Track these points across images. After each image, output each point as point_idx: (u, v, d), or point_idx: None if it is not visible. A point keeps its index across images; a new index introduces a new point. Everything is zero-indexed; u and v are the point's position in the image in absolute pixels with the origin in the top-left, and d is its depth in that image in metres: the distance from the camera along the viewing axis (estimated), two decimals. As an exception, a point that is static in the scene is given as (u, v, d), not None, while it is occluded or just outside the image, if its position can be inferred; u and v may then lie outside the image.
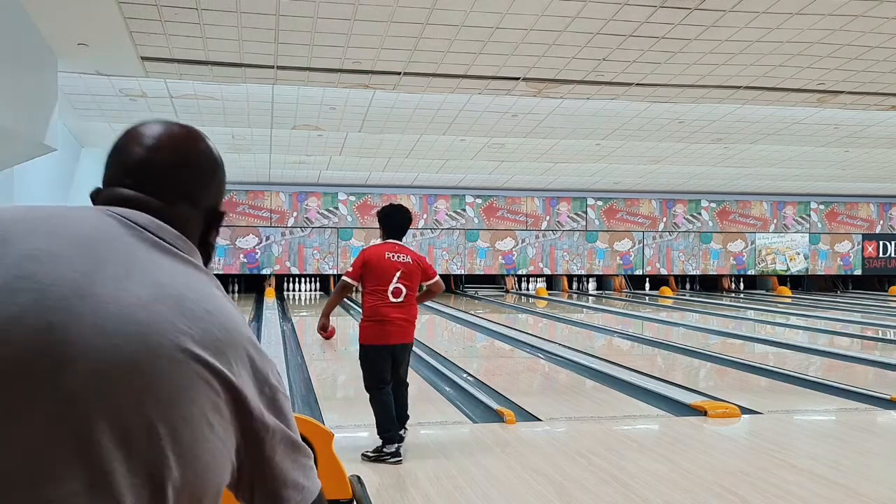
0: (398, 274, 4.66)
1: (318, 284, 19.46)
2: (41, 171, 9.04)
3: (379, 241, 4.91)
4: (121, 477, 0.81)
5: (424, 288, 4.92)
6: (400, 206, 4.94)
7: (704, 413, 5.74)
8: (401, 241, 4.84)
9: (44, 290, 0.85)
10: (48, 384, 0.81)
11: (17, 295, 0.84)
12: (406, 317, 4.71)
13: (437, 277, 4.93)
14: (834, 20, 6.18)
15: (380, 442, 4.60)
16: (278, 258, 18.53)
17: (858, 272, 21.54)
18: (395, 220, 4.87)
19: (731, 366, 8.31)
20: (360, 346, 4.78)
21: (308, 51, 6.79)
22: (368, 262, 4.72)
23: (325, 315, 4.90)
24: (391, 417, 4.62)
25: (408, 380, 4.96)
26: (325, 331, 4.91)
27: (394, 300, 4.64)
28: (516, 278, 20.24)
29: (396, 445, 4.55)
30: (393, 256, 4.71)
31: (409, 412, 4.90)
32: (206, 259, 1.07)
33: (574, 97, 8.73)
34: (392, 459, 4.49)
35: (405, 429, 4.80)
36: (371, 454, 4.54)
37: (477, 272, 19.60)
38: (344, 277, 4.87)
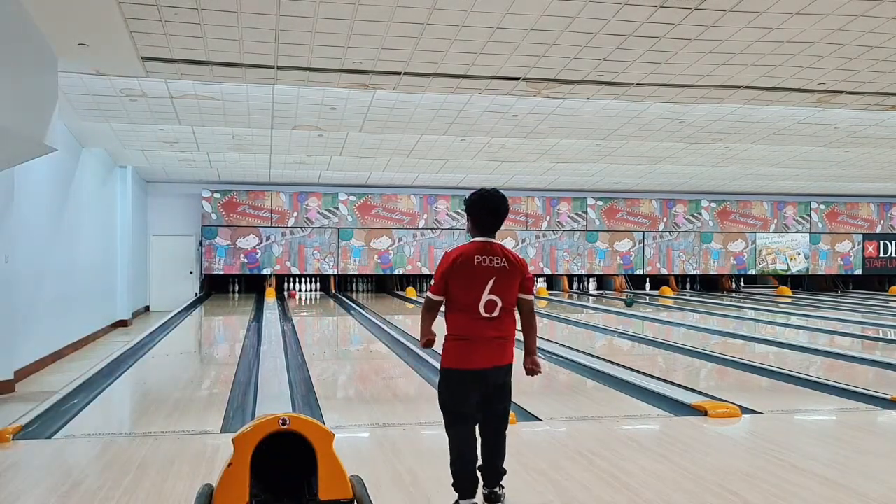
0: (491, 283, 3.58)
1: (318, 284, 19.48)
2: (41, 171, 9.05)
3: (468, 238, 3.77)
4: None
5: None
6: (494, 191, 3.74)
7: (705, 413, 5.73)
8: (494, 237, 3.73)
9: None
10: None
11: None
12: (502, 334, 3.65)
13: (532, 296, 3.80)
14: (834, 20, 6.17)
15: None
16: (279, 258, 18.53)
17: (859, 272, 21.54)
18: (488, 208, 3.70)
19: (731, 366, 8.30)
20: (441, 370, 3.73)
21: (308, 51, 6.79)
22: (453, 268, 3.61)
23: (425, 334, 3.73)
24: (466, 464, 3.58)
25: (505, 414, 3.82)
26: (432, 344, 3.74)
27: (485, 315, 3.59)
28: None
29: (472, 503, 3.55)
30: (484, 260, 3.60)
31: (503, 464, 3.75)
32: None
33: (574, 97, 8.73)
34: None
35: (500, 487, 3.71)
36: None
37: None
38: (428, 293, 3.74)
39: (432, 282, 3.72)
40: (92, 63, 7.20)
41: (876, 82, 8.00)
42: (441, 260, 3.71)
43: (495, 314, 3.59)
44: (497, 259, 3.61)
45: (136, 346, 9.73)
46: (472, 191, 3.79)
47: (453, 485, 3.58)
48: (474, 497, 3.56)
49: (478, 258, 3.59)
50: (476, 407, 3.63)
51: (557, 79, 7.80)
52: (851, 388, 6.78)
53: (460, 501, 3.55)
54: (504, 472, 3.73)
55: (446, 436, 3.64)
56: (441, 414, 3.70)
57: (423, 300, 3.75)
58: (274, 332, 10.77)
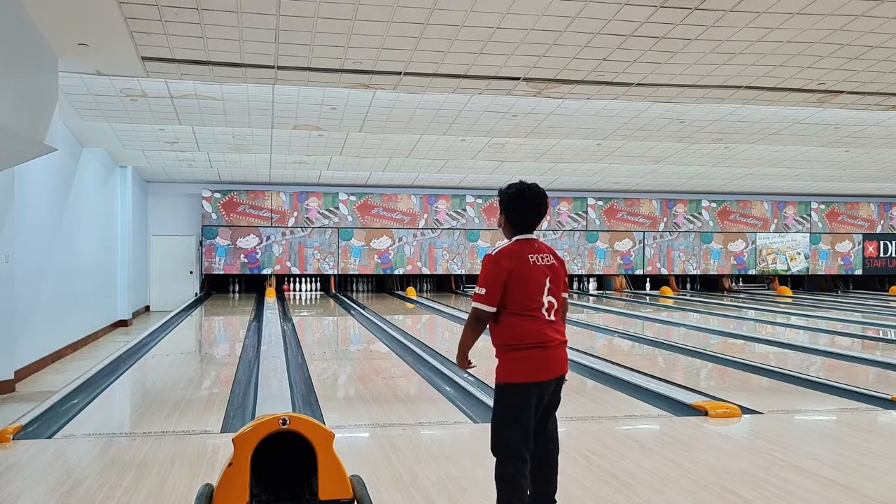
0: (547, 283, 3.26)
1: (318, 284, 19.49)
2: (41, 171, 9.05)
3: (504, 241, 3.39)
4: None
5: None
6: (534, 185, 3.38)
7: (705, 413, 5.73)
8: (532, 234, 3.39)
9: None
10: None
11: None
12: (565, 338, 3.33)
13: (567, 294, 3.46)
14: (834, 20, 6.17)
15: None
16: (279, 258, 18.53)
17: (859, 272, 21.54)
18: (526, 203, 3.35)
19: (731, 366, 8.30)
20: (500, 386, 3.24)
21: (308, 51, 6.79)
22: (513, 272, 3.20)
23: (465, 353, 3.34)
24: None
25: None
26: (469, 366, 3.37)
27: (549, 319, 3.24)
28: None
29: None
30: (538, 259, 3.28)
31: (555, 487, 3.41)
32: None
33: (574, 97, 8.73)
34: None
35: None
36: None
37: (476, 273, 19.64)
38: (477, 304, 3.24)
39: (478, 290, 3.23)
40: (92, 63, 7.20)
41: (876, 82, 8.00)
42: (486, 264, 3.25)
43: (553, 317, 3.25)
44: (547, 257, 3.32)
45: (136, 346, 9.73)
46: (509, 184, 3.41)
47: None
48: None
49: (532, 257, 3.26)
50: (532, 436, 3.24)
51: (557, 79, 7.80)
52: (852, 388, 6.78)
53: None
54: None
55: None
56: (499, 450, 3.20)
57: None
58: (274, 331, 10.77)
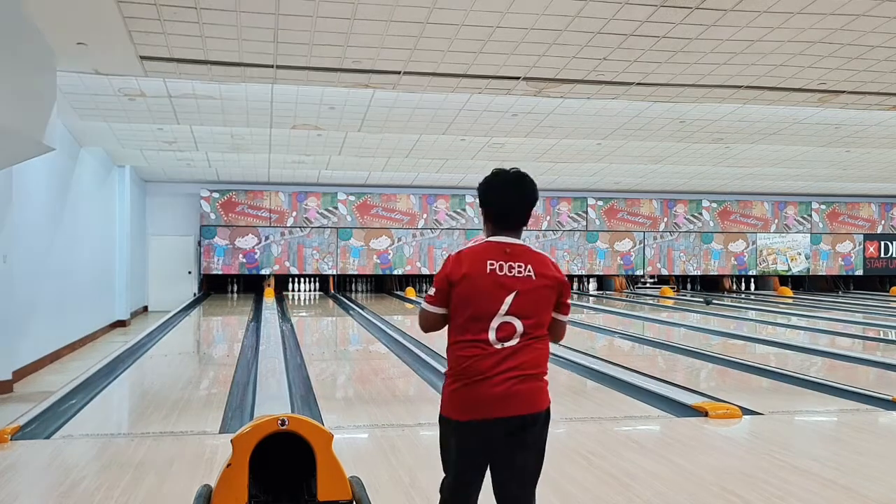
0: (509, 300, 2.54)
1: (317, 284, 19.47)
2: (40, 171, 9.03)
3: (481, 237, 2.75)
4: None
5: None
6: (513, 169, 2.70)
7: (705, 414, 5.72)
8: (518, 236, 2.68)
9: None
10: None
11: None
12: (524, 372, 2.54)
13: (567, 317, 2.74)
14: (835, 20, 6.16)
15: None
16: (278, 258, 18.52)
17: (860, 272, 21.53)
18: (500, 196, 2.67)
19: (731, 366, 8.29)
20: (440, 418, 2.67)
21: (308, 50, 6.78)
22: (465, 274, 2.57)
23: None
24: None
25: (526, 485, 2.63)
26: None
27: (499, 346, 2.53)
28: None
29: None
30: (500, 267, 2.58)
31: None
32: None
33: (574, 97, 8.72)
34: None
35: None
36: None
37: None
38: (424, 304, 2.70)
39: (430, 290, 2.68)
40: (90, 62, 7.18)
41: (877, 82, 7.98)
42: (446, 260, 2.65)
43: (514, 342, 2.53)
44: (519, 267, 2.57)
45: (134, 347, 9.71)
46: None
47: None
48: None
49: (493, 263, 2.57)
50: (477, 474, 2.60)
51: (557, 78, 7.79)
52: (852, 388, 6.77)
53: None
54: None
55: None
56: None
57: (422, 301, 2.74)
58: (273, 332, 10.75)
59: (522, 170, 2.69)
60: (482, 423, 2.52)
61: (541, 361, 2.61)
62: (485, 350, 2.53)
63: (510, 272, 2.57)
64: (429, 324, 2.71)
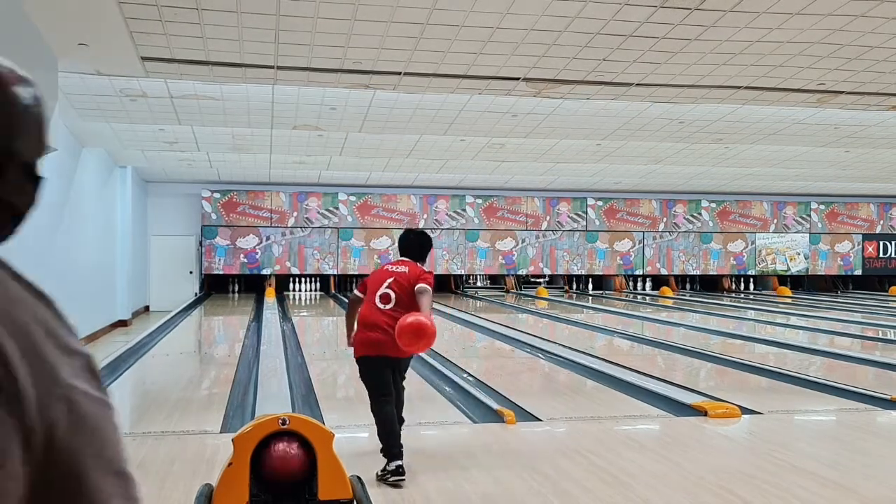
0: (389, 281, 4.53)
1: (318, 284, 19.48)
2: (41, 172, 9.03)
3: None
4: None
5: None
6: (410, 231, 5.03)
7: (705, 413, 5.73)
8: (417, 261, 4.76)
9: None
10: None
11: None
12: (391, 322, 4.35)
13: (425, 285, 4.51)
14: (834, 20, 6.18)
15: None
16: (279, 258, 18.53)
17: (859, 272, 21.54)
18: (401, 244, 4.98)
19: (731, 366, 8.30)
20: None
21: (308, 51, 6.79)
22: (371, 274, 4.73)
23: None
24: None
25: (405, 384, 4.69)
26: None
27: (381, 306, 4.46)
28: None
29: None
30: (391, 268, 4.68)
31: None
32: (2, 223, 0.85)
33: (574, 97, 8.73)
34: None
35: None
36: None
37: (477, 272, 19.65)
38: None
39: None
40: (92, 63, 7.20)
41: (876, 82, 8.00)
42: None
43: (390, 305, 4.47)
44: (401, 267, 4.69)
45: (135, 346, 9.72)
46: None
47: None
48: None
49: (389, 267, 4.84)
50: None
51: (557, 79, 7.80)
52: (851, 388, 6.78)
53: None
54: None
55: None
56: None
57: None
58: (274, 332, 10.77)
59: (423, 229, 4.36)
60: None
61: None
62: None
63: (394, 269, 4.66)
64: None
